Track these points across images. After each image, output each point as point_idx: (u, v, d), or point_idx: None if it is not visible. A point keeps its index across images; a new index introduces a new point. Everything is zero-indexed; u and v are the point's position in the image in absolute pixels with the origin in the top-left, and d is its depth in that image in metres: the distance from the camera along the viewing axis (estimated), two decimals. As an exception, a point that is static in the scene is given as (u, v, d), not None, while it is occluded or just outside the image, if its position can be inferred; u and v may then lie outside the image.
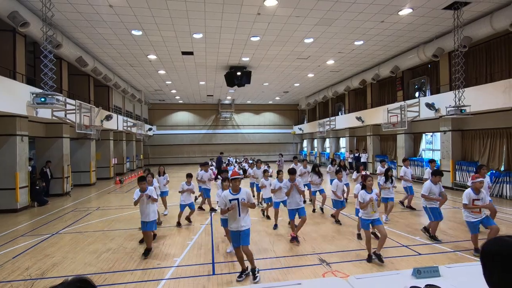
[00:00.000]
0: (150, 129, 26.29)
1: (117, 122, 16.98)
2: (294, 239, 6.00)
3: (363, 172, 7.70)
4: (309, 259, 5.16)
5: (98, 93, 16.28)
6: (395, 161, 15.44)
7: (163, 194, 8.62)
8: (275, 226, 7.09)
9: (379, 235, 5.18)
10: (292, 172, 6.24)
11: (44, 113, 9.66)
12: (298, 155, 30.94)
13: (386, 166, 8.57)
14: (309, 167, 9.38)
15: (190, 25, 10.05)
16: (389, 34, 11.17)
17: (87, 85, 14.80)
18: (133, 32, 10.51)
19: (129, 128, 19.03)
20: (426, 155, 14.67)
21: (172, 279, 4.54)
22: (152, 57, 13.58)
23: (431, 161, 8.62)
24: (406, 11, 9.18)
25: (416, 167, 14.25)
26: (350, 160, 19.12)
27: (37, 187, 10.59)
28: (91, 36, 10.92)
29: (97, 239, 6.57)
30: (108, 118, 14.80)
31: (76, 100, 11.14)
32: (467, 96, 9.81)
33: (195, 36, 11.04)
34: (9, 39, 9.27)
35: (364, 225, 5.09)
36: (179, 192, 7.47)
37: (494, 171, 10.60)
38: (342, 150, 22.75)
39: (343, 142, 22.78)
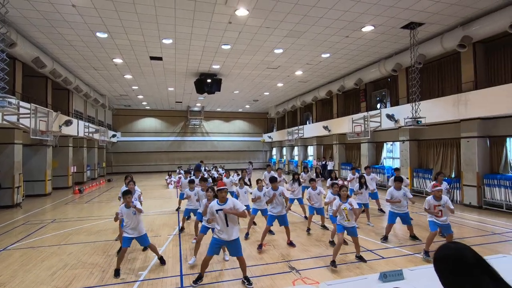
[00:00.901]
0: (114, 136, 25.05)
1: (78, 128, 15.97)
2: (260, 247, 6.09)
3: (340, 182, 7.85)
4: (279, 267, 5.18)
5: (57, 96, 15.22)
6: (359, 168, 16.16)
7: None
8: (247, 235, 7.02)
9: (347, 242, 5.48)
10: (273, 180, 6.35)
11: (-7, 117, 8.82)
12: (268, 162, 31.25)
13: (356, 174, 9.07)
14: (284, 176, 9.61)
15: (160, 30, 9.85)
16: (354, 49, 11.82)
17: (45, 87, 13.79)
18: (98, 34, 10.05)
19: (90, 135, 17.96)
20: (387, 163, 15.57)
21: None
22: (118, 61, 13.05)
23: (396, 169, 9.35)
24: (368, 28, 9.79)
25: (378, 174, 15.04)
26: (318, 167, 19.70)
27: (-18, 199, 9.56)
28: (50, 36, 10.24)
29: (52, 254, 6.05)
30: (68, 123, 13.89)
31: (32, 104, 10.32)
32: (423, 108, 10.63)
33: (164, 41, 10.83)
34: (-47, 34, 8.39)
35: (339, 229, 5.26)
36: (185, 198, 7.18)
37: (446, 178, 11.51)
38: (310, 158, 23.37)
39: (311, 150, 23.43)
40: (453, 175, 11.41)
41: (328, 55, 12.55)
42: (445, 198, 5.57)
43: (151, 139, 28.04)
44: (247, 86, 18.53)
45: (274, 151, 30.86)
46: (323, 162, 19.42)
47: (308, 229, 7.36)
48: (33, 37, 10.34)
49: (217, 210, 4.47)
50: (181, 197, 9.19)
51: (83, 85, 16.32)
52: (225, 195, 4.57)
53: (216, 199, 4.62)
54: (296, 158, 24.86)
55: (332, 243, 6.34)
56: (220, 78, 15.70)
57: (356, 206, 5.20)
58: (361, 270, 5.07)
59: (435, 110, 10.77)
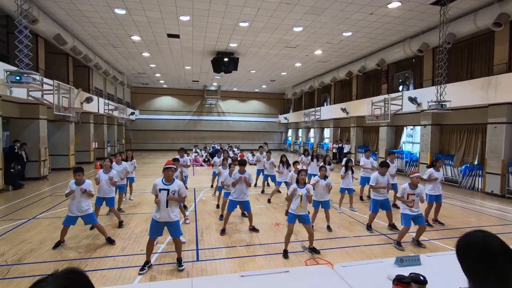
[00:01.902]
0: (132, 113, 25.57)
1: (98, 105, 16.38)
2: (223, 232, 5.89)
3: (328, 167, 7.64)
4: (292, 246, 5.27)
5: (77, 73, 15.55)
6: (376, 152, 15.86)
7: (130, 180, 8.53)
8: (221, 217, 6.83)
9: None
10: (242, 163, 6.03)
11: (19, 93, 9.14)
12: (283, 144, 31.21)
13: (370, 158, 8.80)
14: (272, 159, 9.44)
15: (177, 7, 9.69)
16: (377, 27, 11.24)
17: (66, 64, 14.09)
18: (116, 10, 10.01)
19: (110, 112, 18.41)
20: (407, 147, 15.16)
21: (156, 265, 4.52)
22: (136, 38, 13.05)
23: (390, 153, 8.85)
24: (395, 4, 9.23)
25: (396, 159, 14.71)
26: (334, 150, 19.52)
27: (12, 170, 10.13)
28: (70, 13, 10.31)
29: (77, 224, 6.38)
30: (89, 100, 14.24)
31: (54, 80, 10.60)
32: (448, 91, 10.12)
33: (182, 18, 10.67)
34: (-21, 11, 8.61)
35: (289, 218, 4.88)
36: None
37: (468, 165, 11.13)
38: (326, 141, 23.10)
39: (327, 132, 23.10)
40: (475, 162, 10.99)
41: (350, 33, 12.01)
42: (420, 187, 5.28)
43: (168, 117, 28.44)
44: (264, 66, 18.19)
45: (290, 132, 30.67)
46: (340, 145, 19.17)
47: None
48: (54, 14, 10.45)
49: (160, 189, 4.27)
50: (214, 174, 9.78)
51: (102, 62, 16.54)
52: (171, 175, 4.36)
53: (162, 178, 4.38)
54: (312, 140, 24.63)
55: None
56: (237, 57, 15.46)
57: (311, 193, 4.89)
58: (373, 252, 5.09)
59: (462, 94, 10.23)
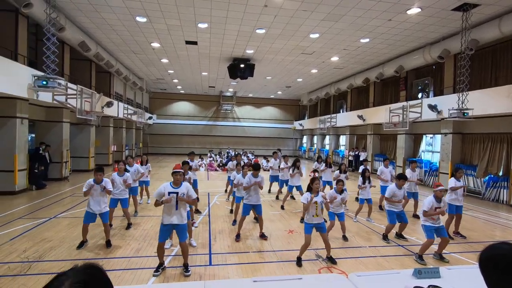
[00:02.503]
0: (150, 118, 26.20)
1: (118, 109, 16.89)
2: (238, 237, 5.85)
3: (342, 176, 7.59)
4: (305, 255, 5.18)
5: (99, 79, 16.15)
6: (394, 161, 15.46)
7: (146, 184, 8.68)
8: (234, 222, 6.91)
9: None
10: (256, 167, 6.00)
11: (45, 97, 9.57)
12: (297, 150, 30.99)
13: (389, 167, 8.55)
14: (289, 163, 9.45)
15: (196, 14, 9.92)
16: (396, 33, 11.06)
17: (89, 70, 14.67)
18: (138, 18, 10.37)
19: (129, 116, 18.94)
20: (426, 156, 14.69)
21: (169, 268, 4.56)
22: (155, 45, 13.44)
23: (412, 162, 8.44)
24: (414, 10, 9.07)
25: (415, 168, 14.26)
26: (350, 158, 19.19)
27: (36, 171, 10.57)
28: (94, 21, 10.77)
29: (95, 225, 6.55)
30: (109, 104, 14.72)
31: (78, 85, 11.05)
32: (470, 99, 9.77)
33: (200, 25, 10.91)
34: (11, 19, 9.11)
35: (306, 229, 4.79)
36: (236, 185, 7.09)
37: (492, 176, 10.64)
38: (342, 148, 22.76)
39: (343, 139, 22.77)
40: (500, 173, 10.50)
41: (367, 40, 11.88)
42: (444, 200, 5.14)
43: (185, 122, 28.92)
44: (280, 72, 18.24)
45: (305, 139, 30.43)
46: (356, 152, 18.84)
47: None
48: (79, 22, 10.94)
49: (169, 193, 4.31)
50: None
51: (123, 68, 17.11)
52: (180, 178, 4.40)
53: (170, 182, 4.44)
54: (327, 147, 24.34)
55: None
56: (253, 63, 15.60)
57: (328, 198, 4.85)
58: (390, 264, 4.93)
59: (485, 102, 9.84)
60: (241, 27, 11.00)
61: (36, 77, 8.27)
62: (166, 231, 4.40)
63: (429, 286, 1.48)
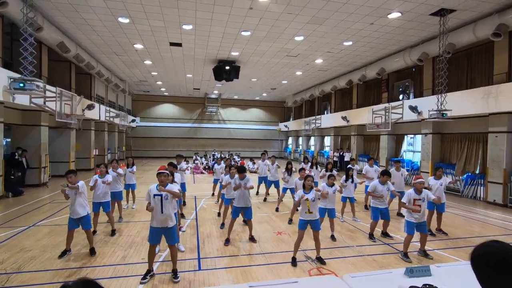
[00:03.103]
0: (133, 121, 25.62)
1: (99, 112, 16.43)
2: (227, 242, 5.76)
3: (335, 172, 7.70)
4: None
5: (80, 81, 15.63)
6: (377, 161, 15.83)
7: (132, 188, 8.45)
8: (222, 225, 6.88)
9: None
10: (241, 170, 5.95)
11: (22, 100, 9.17)
12: (283, 151, 31.18)
13: (374, 166, 8.76)
14: (276, 163, 9.59)
15: (180, 16, 9.81)
16: (378, 36, 11.37)
17: (69, 72, 14.19)
18: (120, 19, 10.14)
19: (111, 119, 18.45)
20: (407, 156, 15.15)
21: (158, 274, 4.46)
22: (138, 46, 13.18)
23: (396, 161, 8.69)
24: (395, 15, 9.36)
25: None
26: (335, 158, 19.51)
27: (12, 177, 10.09)
28: (74, 21, 10.44)
29: (77, 232, 6.32)
30: (90, 107, 14.29)
31: (57, 87, 10.66)
32: (449, 100, 10.17)
33: (184, 27, 10.80)
34: (-16, 19, 8.71)
35: (300, 225, 4.87)
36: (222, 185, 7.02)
37: (470, 174, 11.10)
38: (327, 149, 23.10)
39: (327, 140, 23.12)
40: (477, 171, 10.97)
41: (350, 43, 12.14)
42: (425, 191, 5.23)
43: (169, 125, 28.50)
44: (265, 74, 18.33)
45: (290, 140, 30.69)
46: (341, 153, 19.17)
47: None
48: (58, 22, 10.57)
49: (154, 195, 4.23)
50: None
51: (104, 70, 16.66)
52: (164, 180, 4.32)
53: (157, 184, 4.32)
54: (312, 148, 24.64)
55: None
56: (239, 65, 15.59)
57: (322, 190, 5.03)
58: (377, 263, 5.03)
59: (462, 103, 10.28)
60: (226, 29, 10.98)
61: (12, 79, 7.91)
62: (155, 233, 4.31)
63: (423, 285, 1.52)
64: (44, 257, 5.01)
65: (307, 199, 4.78)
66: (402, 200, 5.26)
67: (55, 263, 4.79)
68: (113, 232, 6.25)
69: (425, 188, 6.16)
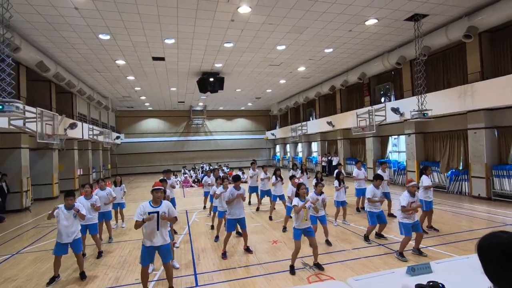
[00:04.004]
0: (118, 137, 25.12)
1: (82, 131, 16.02)
2: (225, 255, 5.66)
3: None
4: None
5: (60, 100, 15.26)
6: (365, 163, 16.11)
7: (121, 206, 8.26)
8: (217, 238, 6.81)
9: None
10: (236, 179, 5.86)
11: (0, 122, 8.85)
12: (271, 160, 31.25)
13: (362, 169, 8.87)
14: (268, 173, 9.52)
15: (162, 30, 9.82)
16: (357, 43, 11.74)
17: (49, 91, 13.82)
18: (101, 36, 10.04)
19: (95, 137, 18.01)
20: (393, 157, 15.50)
21: (153, 294, 4.32)
22: (120, 62, 13.05)
23: (382, 163, 8.77)
24: (372, 22, 9.71)
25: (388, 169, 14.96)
26: (324, 163, 19.71)
27: (-8, 203, 9.63)
28: (53, 40, 10.25)
29: (65, 257, 6.07)
30: (73, 126, 13.92)
31: (37, 108, 10.34)
32: (428, 100, 10.54)
33: (166, 41, 10.80)
34: (-43, 41, 8.40)
35: (296, 235, 4.84)
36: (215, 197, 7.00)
37: (454, 170, 11.46)
38: (314, 154, 23.33)
39: (315, 146, 23.38)
40: (461, 167, 11.34)
41: (331, 50, 12.47)
42: (417, 194, 5.42)
43: (155, 139, 28.09)
44: (250, 84, 18.48)
45: (278, 148, 30.83)
46: (329, 158, 19.40)
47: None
48: (36, 41, 10.35)
49: (149, 212, 4.08)
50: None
51: (86, 87, 16.35)
52: (160, 196, 4.23)
53: (149, 201, 4.26)
54: (300, 155, 24.83)
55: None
56: (223, 76, 15.66)
57: (319, 201, 5.11)
58: (374, 264, 5.06)
59: (441, 102, 10.68)
60: (208, 42, 11.05)
61: (-11, 102, 7.61)
62: (148, 253, 4.16)
63: (428, 282, 1.54)
64: (30, 286, 4.76)
65: (304, 207, 4.80)
66: (401, 205, 5.20)
67: (43, 291, 4.56)
68: (99, 254, 6.01)
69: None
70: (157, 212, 4.12)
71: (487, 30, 9.60)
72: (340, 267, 5.00)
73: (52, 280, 4.81)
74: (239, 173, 18.32)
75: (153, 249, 4.18)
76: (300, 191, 4.94)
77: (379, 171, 8.37)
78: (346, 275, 4.62)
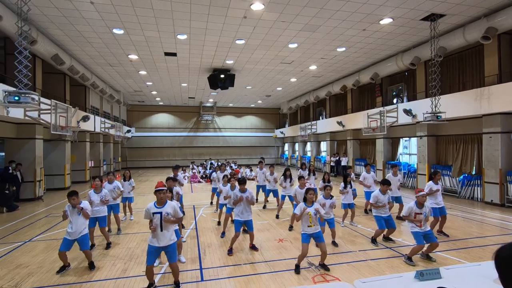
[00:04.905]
0: (128, 131, 25.48)
1: (94, 124, 16.31)
2: (231, 252, 5.68)
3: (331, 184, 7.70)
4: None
5: (74, 92, 15.56)
6: (374, 165, 15.91)
7: (129, 201, 8.34)
8: (223, 234, 6.83)
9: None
10: (241, 182, 5.77)
11: (16, 113, 9.08)
12: (279, 158, 31.19)
13: (371, 172, 8.69)
14: (276, 174, 9.48)
15: (175, 26, 9.88)
16: (370, 42, 11.55)
17: (63, 84, 14.11)
18: (115, 30, 10.17)
19: (106, 130, 18.33)
20: (404, 159, 15.25)
21: (160, 287, 4.37)
22: (133, 57, 13.20)
23: (393, 166, 8.53)
24: (387, 21, 9.54)
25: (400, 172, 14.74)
26: (332, 163, 19.55)
27: (7, 192, 9.91)
28: (68, 33, 10.44)
29: (75, 246, 6.21)
30: (85, 119, 14.19)
31: (52, 100, 10.58)
32: (442, 103, 10.31)
33: (179, 37, 10.86)
34: (-22, 33, 8.66)
35: (303, 239, 4.79)
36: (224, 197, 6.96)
37: (466, 175, 11.20)
38: (323, 154, 23.17)
39: (323, 146, 23.21)
40: (473, 172, 11.07)
41: (343, 49, 12.31)
42: (427, 206, 5.21)
43: (165, 134, 28.39)
44: (260, 81, 18.44)
45: (286, 146, 30.74)
46: (337, 158, 19.23)
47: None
48: (52, 35, 10.56)
49: (153, 213, 4.09)
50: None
51: (99, 81, 16.62)
52: (163, 197, 4.20)
53: (154, 202, 4.25)
54: (309, 154, 24.70)
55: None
56: (234, 73, 15.67)
57: (322, 212, 4.82)
58: (380, 266, 5.01)
59: (456, 105, 10.43)
60: (220, 38, 11.06)
61: (6, 93, 7.82)
62: (153, 253, 4.15)
63: (438, 288, 1.51)
64: (42, 273, 4.89)
65: (309, 213, 4.74)
66: (402, 213, 5.17)
67: (53, 279, 4.68)
68: (108, 245, 6.12)
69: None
70: (160, 213, 4.11)
71: (506, 32, 9.30)
72: (346, 269, 4.96)
73: (63, 268, 4.93)
74: (247, 170, 18.40)
75: (159, 249, 4.17)
76: (308, 195, 4.84)
77: (390, 175, 8.24)
78: (352, 276, 4.58)
